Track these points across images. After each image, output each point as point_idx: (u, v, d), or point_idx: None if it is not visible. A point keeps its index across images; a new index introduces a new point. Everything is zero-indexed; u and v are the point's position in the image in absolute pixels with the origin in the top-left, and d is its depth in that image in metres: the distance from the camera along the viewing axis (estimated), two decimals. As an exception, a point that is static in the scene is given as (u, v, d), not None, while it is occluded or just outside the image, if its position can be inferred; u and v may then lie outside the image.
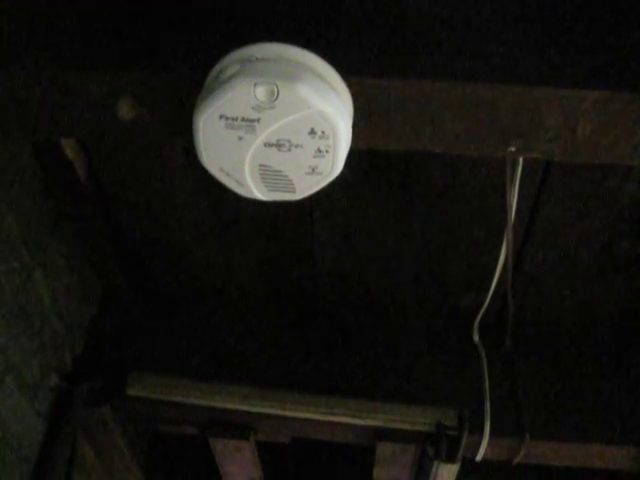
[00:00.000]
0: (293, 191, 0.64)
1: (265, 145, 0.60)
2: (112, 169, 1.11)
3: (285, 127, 0.58)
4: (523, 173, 0.93)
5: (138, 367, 1.26)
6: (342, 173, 0.64)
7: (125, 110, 0.66)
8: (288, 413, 1.20)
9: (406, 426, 1.17)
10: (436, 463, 1.17)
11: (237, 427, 1.26)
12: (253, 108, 0.57)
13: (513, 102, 0.62)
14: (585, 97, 0.61)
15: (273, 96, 0.56)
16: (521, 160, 0.88)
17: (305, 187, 0.64)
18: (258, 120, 0.58)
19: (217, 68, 0.60)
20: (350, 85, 0.61)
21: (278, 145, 0.60)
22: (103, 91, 0.65)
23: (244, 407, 1.21)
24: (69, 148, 1.06)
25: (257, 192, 0.65)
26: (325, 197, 1.09)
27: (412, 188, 1.06)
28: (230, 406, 1.22)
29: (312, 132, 0.59)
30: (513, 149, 0.66)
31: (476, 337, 1.27)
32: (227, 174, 0.63)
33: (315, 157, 0.60)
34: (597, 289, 1.21)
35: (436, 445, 1.16)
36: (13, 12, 0.69)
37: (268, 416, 1.21)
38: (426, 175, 1.04)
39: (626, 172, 0.99)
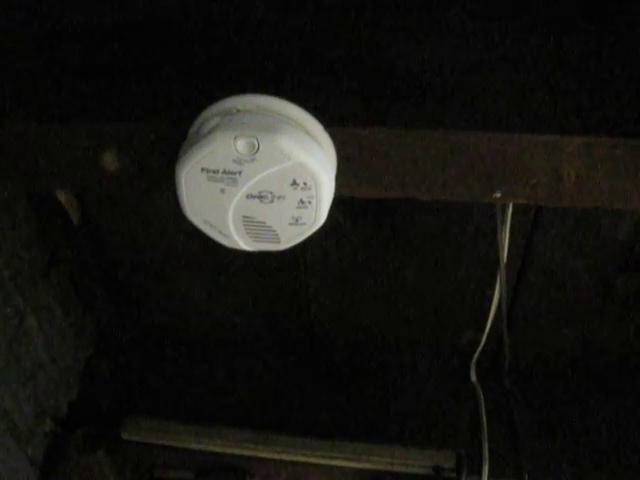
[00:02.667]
0: (278, 241, 0.64)
1: (247, 197, 0.60)
2: (104, 214, 1.12)
3: (267, 179, 0.58)
4: (514, 213, 0.93)
5: (133, 411, 1.25)
6: (333, 216, 0.63)
7: (109, 162, 0.66)
8: (284, 457, 1.18)
9: (404, 469, 1.15)
10: (435, 506, 1.16)
11: (233, 471, 1.24)
12: (234, 161, 0.57)
13: (496, 149, 0.61)
14: (569, 143, 0.61)
15: (254, 149, 0.56)
16: (511, 203, 0.88)
17: (289, 237, 0.64)
18: (239, 172, 0.58)
19: (198, 121, 0.60)
20: (332, 135, 0.61)
21: (260, 197, 0.60)
22: (87, 143, 0.65)
23: (240, 451, 1.20)
24: (61, 193, 1.07)
25: (242, 243, 0.65)
26: (316, 240, 1.08)
27: (404, 230, 1.06)
28: (226, 450, 1.20)
29: (294, 183, 0.58)
30: (498, 195, 0.65)
31: (473, 376, 1.25)
32: (211, 226, 0.63)
33: (298, 208, 0.60)
34: (595, 325, 1.20)
35: (434, 488, 1.14)
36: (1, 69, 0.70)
37: (264, 460, 1.20)
38: (418, 217, 1.04)
39: (618, 210, 0.99)
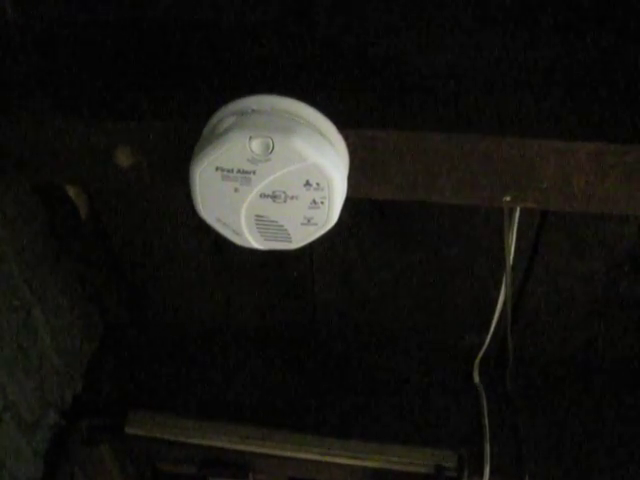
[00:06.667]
0: (289, 241, 0.65)
1: (261, 196, 0.60)
2: (113, 209, 1.12)
3: (280, 179, 0.59)
4: (521, 216, 0.93)
5: (138, 405, 1.25)
6: (340, 216, 0.64)
7: (123, 158, 0.67)
8: (286, 453, 1.19)
9: (405, 467, 1.16)
10: (435, 505, 1.16)
11: (236, 467, 1.25)
12: (249, 160, 0.58)
13: (507, 153, 0.62)
14: (579, 149, 0.61)
15: (268, 149, 0.57)
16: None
17: (301, 237, 0.64)
18: (254, 172, 0.58)
19: (214, 120, 0.61)
20: (346, 137, 0.62)
21: (273, 196, 0.60)
22: (102, 139, 0.66)
23: (243, 447, 1.21)
24: (71, 188, 1.07)
25: (254, 242, 0.65)
26: (323, 237, 1.09)
27: (410, 229, 1.06)
28: (229, 445, 1.21)
29: (307, 184, 0.59)
30: (508, 199, 0.66)
31: (476, 377, 1.26)
32: (224, 224, 0.64)
33: (310, 208, 0.61)
34: (598, 329, 1.21)
35: (435, 487, 1.15)
36: (18, 64, 0.70)
37: (267, 456, 1.20)
38: (424, 216, 1.04)
39: (624, 215, 0.99)
